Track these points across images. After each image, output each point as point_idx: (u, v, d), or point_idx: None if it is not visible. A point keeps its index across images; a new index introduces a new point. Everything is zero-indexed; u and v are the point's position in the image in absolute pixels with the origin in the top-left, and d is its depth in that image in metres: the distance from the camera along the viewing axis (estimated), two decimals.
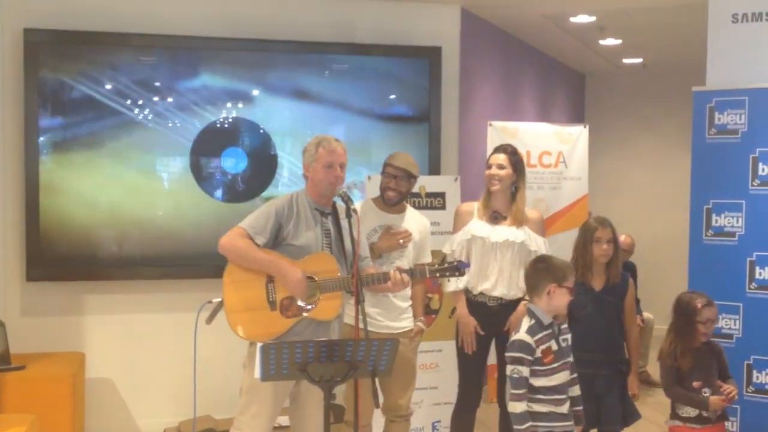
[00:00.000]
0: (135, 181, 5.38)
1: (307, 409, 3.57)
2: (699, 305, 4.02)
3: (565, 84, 9.43)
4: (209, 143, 5.49)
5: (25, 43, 5.14)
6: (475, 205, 4.30)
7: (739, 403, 4.58)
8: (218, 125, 5.52)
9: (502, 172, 4.18)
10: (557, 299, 3.54)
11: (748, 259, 4.69)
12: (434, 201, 5.27)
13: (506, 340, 4.09)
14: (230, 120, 5.56)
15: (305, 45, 5.65)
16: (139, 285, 5.45)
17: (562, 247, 4.88)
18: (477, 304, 4.22)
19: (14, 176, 5.23)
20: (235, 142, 5.56)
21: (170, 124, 5.42)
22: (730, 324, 4.72)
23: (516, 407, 3.46)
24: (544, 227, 4.36)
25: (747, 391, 4.66)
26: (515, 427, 3.47)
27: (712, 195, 4.81)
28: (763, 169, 4.68)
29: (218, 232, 3.59)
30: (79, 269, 5.32)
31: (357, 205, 3.92)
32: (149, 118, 5.38)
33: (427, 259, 4.29)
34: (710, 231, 4.81)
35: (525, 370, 3.47)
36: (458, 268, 3.60)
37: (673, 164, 8.79)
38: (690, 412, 4.00)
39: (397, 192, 4.22)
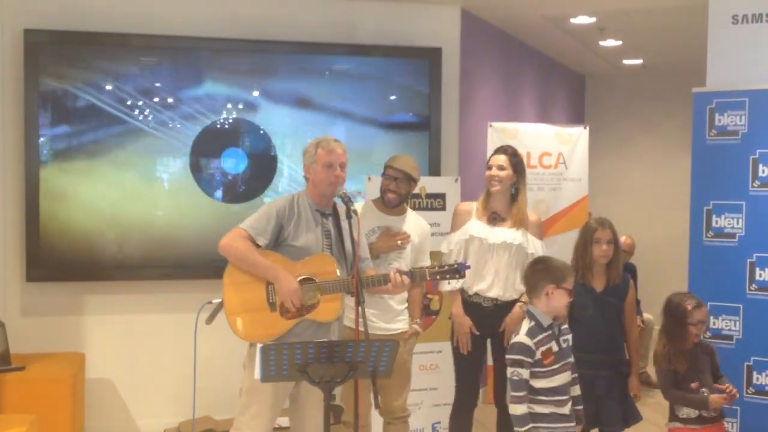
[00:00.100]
0: (134, 181, 5.38)
1: (307, 410, 3.58)
2: (689, 307, 4.00)
3: (565, 85, 9.43)
4: (209, 144, 5.49)
5: (26, 43, 5.14)
6: (473, 205, 4.30)
7: (739, 404, 4.58)
8: (218, 126, 5.52)
9: (503, 174, 4.18)
10: (556, 300, 3.54)
11: (748, 260, 4.69)
12: (434, 202, 5.27)
13: (501, 341, 4.12)
14: (230, 121, 5.56)
15: (305, 46, 5.64)
16: (138, 285, 5.45)
17: (562, 248, 4.89)
18: (472, 305, 4.22)
19: (14, 176, 5.23)
20: (235, 143, 5.56)
21: (170, 125, 5.41)
22: (730, 325, 4.72)
23: (517, 409, 3.46)
24: (541, 230, 4.36)
25: (747, 393, 4.66)
26: (516, 429, 3.47)
27: (712, 196, 4.80)
28: (763, 171, 4.68)
29: (218, 232, 3.59)
30: (79, 270, 5.32)
31: (357, 206, 3.92)
32: (149, 119, 5.37)
33: (426, 262, 4.28)
34: (710, 232, 4.81)
35: (525, 372, 3.47)
36: (459, 271, 3.58)
37: (673, 165, 8.79)
38: (690, 413, 3.99)
39: (396, 194, 4.22)
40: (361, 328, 3.33)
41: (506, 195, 4.22)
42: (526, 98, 8.04)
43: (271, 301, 3.47)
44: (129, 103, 5.33)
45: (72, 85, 5.24)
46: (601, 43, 7.67)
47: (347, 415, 4.29)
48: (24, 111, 5.17)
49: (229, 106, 5.52)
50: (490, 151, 5.14)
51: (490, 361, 4.43)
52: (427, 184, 5.25)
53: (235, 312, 3.45)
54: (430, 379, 5.21)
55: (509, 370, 3.50)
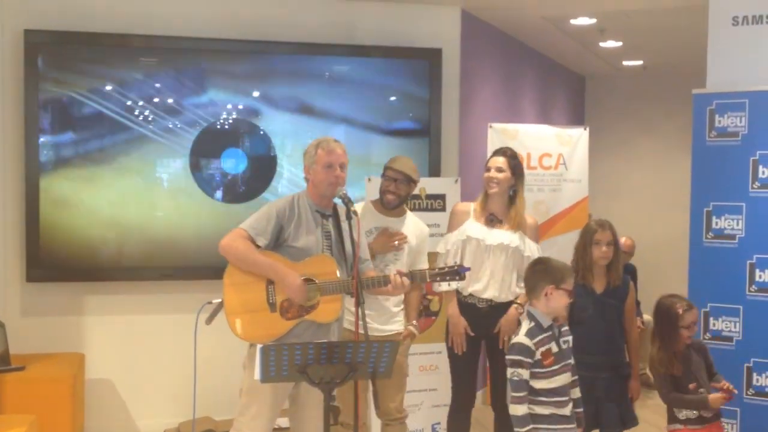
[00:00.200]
0: (134, 181, 5.38)
1: (306, 410, 3.57)
2: (681, 311, 3.98)
3: (565, 86, 9.43)
4: (209, 144, 5.49)
5: (26, 44, 5.14)
6: (471, 206, 4.30)
7: (739, 405, 4.58)
8: (218, 126, 5.52)
9: (501, 176, 4.18)
10: (555, 301, 3.53)
11: (748, 261, 4.69)
12: (434, 203, 5.27)
13: (496, 343, 4.11)
14: (230, 121, 5.56)
15: (305, 46, 5.65)
16: (138, 286, 5.45)
17: (562, 249, 4.88)
18: (466, 305, 4.22)
19: (14, 176, 5.23)
20: (235, 143, 5.56)
21: (170, 126, 5.41)
22: (730, 327, 4.72)
23: (517, 410, 3.46)
24: (538, 233, 4.37)
25: (747, 394, 4.66)
26: (517, 429, 3.47)
27: (712, 197, 4.80)
28: (763, 172, 4.68)
29: (218, 233, 3.59)
30: (79, 270, 5.32)
31: (357, 206, 3.92)
32: (149, 120, 5.38)
33: (423, 265, 4.27)
34: (710, 233, 4.81)
35: (525, 373, 3.47)
36: (458, 273, 3.56)
37: (674, 166, 8.79)
38: (690, 414, 3.98)
39: (396, 195, 4.22)
40: (361, 330, 3.32)
41: (504, 197, 4.22)
42: (526, 99, 8.04)
43: (271, 301, 3.47)
44: (129, 105, 5.32)
45: (72, 89, 5.23)
46: (601, 44, 7.68)
47: (344, 415, 4.28)
48: (24, 111, 5.17)
49: (229, 106, 5.52)
50: (490, 152, 5.14)
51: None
52: (427, 185, 5.25)
53: (235, 312, 3.45)
54: (430, 380, 5.21)
55: (509, 371, 3.50)
